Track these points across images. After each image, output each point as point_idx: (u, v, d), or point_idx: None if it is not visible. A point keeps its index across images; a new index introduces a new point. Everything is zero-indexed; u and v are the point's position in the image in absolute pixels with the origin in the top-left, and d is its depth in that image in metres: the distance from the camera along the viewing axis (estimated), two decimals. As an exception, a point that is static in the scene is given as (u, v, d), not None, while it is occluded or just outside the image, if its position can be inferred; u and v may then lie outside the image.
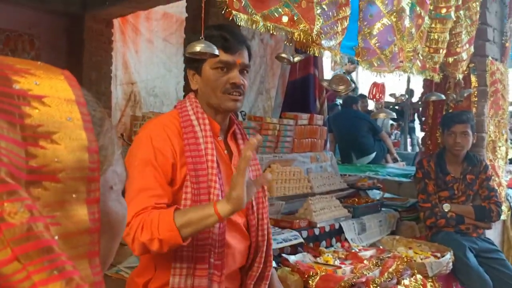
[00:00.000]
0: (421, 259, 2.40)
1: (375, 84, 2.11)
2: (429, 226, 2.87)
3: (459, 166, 2.92)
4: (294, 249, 2.19)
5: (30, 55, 4.71)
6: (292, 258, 2.03)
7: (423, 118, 3.74)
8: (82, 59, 4.80)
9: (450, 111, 3.30)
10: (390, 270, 2.09)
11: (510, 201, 3.64)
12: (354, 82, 7.56)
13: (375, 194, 3.33)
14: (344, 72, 6.39)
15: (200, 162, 1.28)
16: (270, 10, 1.50)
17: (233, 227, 1.36)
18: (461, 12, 2.68)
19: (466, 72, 3.08)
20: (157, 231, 1.15)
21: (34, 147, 0.34)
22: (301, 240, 2.19)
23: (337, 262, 2.11)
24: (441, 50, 2.49)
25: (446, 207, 2.83)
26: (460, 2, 2.65)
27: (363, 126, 5.21)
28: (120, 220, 0.43)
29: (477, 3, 2.84)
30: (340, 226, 2.52)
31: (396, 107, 7.34)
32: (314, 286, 1.85)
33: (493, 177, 3.06)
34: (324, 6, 1.62)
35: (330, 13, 1.67)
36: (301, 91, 3.53)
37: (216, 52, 1.29)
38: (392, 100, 3.59)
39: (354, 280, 1.90)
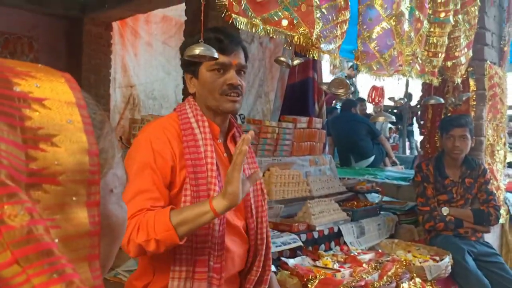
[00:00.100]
0: (420, 263, 2.39)
1: (374, 88, 2.11)
2: (428, 229, 2.88)
3: (458, 169, 2.93)
4: (293, 253, 2.18)
5: (29, 57, 4.71)
6: (291, 262, 2.03)
7: (422, 122, 3.75)
8: (81, 62, 4.80)
9: (449, 115, 3.31)
10: (389, 273, 2.08)
11: (509, 205, 3.64)
12: (354, 87, 7.58)
13: (374, 198, 3.33)
14: (345, 76, 6.40)
15: (200, 165, 1.28)
16: (270, 14, 1.50)
17: (232, 230, 1.35)
18: (460, 16, 2.69)
19: (464, 76, 3.10)
20: (153, 231, 1.15)
21: (34, 150, 0.34)
22: (300, 243, 2.19)
23: (336, 266, 2.11)
24: (440, 54, 2.50)
25: (445, 210, 2.83)
26: (458, 7, 2.66)
27: (362, 129, 5.22)
28: (120, 223, 0.43)
29: (476, 8, 2.85)
30: (339, 230, 2.52)
31: (395, 111, 7.36)
32: (313, 290, 1.84)
33: (491, 181, 3.07)
34: (323, 10, 1.63)
35: (330, 16, 1.68)
36: (300, 94, 3.53)
37: (216, 55, 1.30)
38: (391, 103, 3.59)
39: (353, 283, 1.90)
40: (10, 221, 0.31)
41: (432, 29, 2.44)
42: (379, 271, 2.11)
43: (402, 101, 2.58)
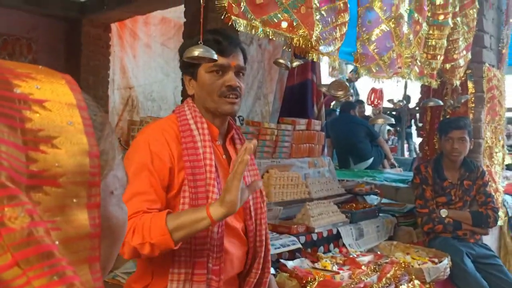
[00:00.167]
0: (419, 265, 2.39)
1: (373, 90, 2.12)
2: (426, 231, 2.88)
3: (456, 172, 2.93)
4: (292, 255, 2.18)
5: (28, 59, 4.70)
6: (290, 264, 2.02)
7: (421, 124, 3.76)
8: (80, 63, 4.79)
9: (448, 117, 3.32)
10: (388, 275, 2.08)
11: (507, 207, 3.65)
12: (355, 90, 7.59)
13: (373, 200, 3.33)
14: (347, 79, 6.42)
15: (198, 167, 1.27)
16: (270, 16, 1.50)
17: (231, 232, 1.35)
18: (458, 19, 2.70)
19: (463, 79, 3.10)
20: (148, 235, 1.14)
21: (34, 152, 0.34)
22: (299, 245, 2.19)
23: (335, 268, 2.11)
24: (438, 56, 2.51)
25: (444, 212, 2.83)
26: (457, 9, 2.67)
27: (361, 131, 5.22)
28: (120, 225, 0.43)
29: (474, 10, 2.86)
30: (338, 232, 2.52)
31: (394, 113, 7.37)
32: (312, 292, 1.84)
33: (490, 183, 3.07)
34: (323, 12, 1.63)
35: (329, 19, 1.68)
36: (299, 96, 3.54)
37: (215, 56, 1.30)
38: (390, 105, 3.61)
39: (352, 285, 1.90)
40: (10, 223, 0.31)
41: (431, 32, 2.44)
42: (378, 273, 2.11)
43: (401, 103, 2.58)
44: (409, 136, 8.28)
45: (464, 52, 2.83)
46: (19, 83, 0.36)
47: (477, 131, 3.26)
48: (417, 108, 6.74)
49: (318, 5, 1.61)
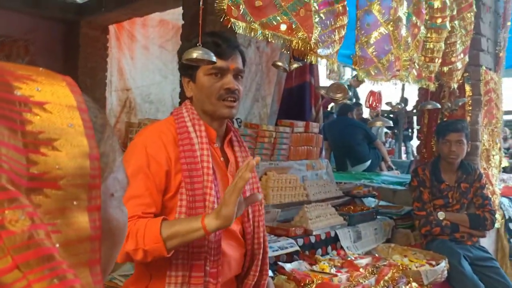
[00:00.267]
0: (416, 267, 2.40)
1: (372, 93, 2.12)
2: (424, 234, 2.88)
3: (454, 174, 2.94)
4: (290, 257, 2.18)
5: (25, 60, 4.69)
6: (288, 266, 2.02)
7: (418, 127, 3.77)
8: (77, 65, 4.79)
9: (445, 119, 3.33)
10: (386, 278, 2.08)
11: (504, 209, 3.66)
12: (356, 95, 7.60)
13: (371, 202, 3.34)
14: (348, 85, 6.43)
15: (196, 169, 1.27)
16: (269, 18, 1.50)
17: (228, 235, 1.35)
18: (456, 22, 2.71)
19: (460, 81, 3.11)
20: (142, 241, 1.15)
21: (35, 154, 0.34)
22: (297, 248, 2.19)
23: (333, 270, 2.11)
24: (436, 60, 2.52)
25: (441, 215, 2.84)
26: (455, 12, 2.68)
27: (358, 134, 5.24)
28: (121, 227, 0.43)
29: (472, 14, 2.87)
30: (336, 234, 2.52)
31: (391, 115, 7.39)
32: (310, 295, 1.84)
33: (487, 186, 3.08)
34: (321, 15, 1.63)
35: (328, 21, 1.69)
36: (297, 98, 3.54)
37: (214, 59, 1.29)
38: (388, 108, 3.61)
39: (350, 288, 1.89)
40: (11, 226, 0.31)
41: (429, 35, 2.45)
42: (376, 275, 2.11)
43: (399, 106, 2.59)
44: (406, 138, 8.30)
45: (462, 55, 2.84)
46: (19, 85, 0.36)
47: (474, 134, 3.27)
48: (414, 111, 6.76)
49: (317, 8, 1.61)
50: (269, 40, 1.53)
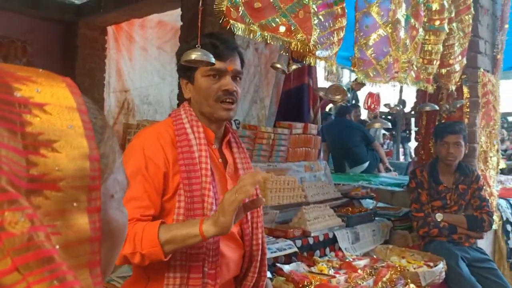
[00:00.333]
0: (414, 269, 2.40)
1: (370, 94, 2.13)
2: (422, 235, 2.89)
3: (452, 176, 2.95)
4: (288, 259, 2.18)
5: (22, 61, 4.68)
6: (286, 268, 2.02)
7: (416, 128, 3.78)
8: (76, 66, 4.78)
9: (443, 121, 3.34)
10: (384, 279, 2.09)
11: (501, 211, 3.67)
12: (356, 98, 7.61)
13: (369, 204, 3.34)
14: (349, 89, 6.44)
15: (194, 170, 1.27)
16: (268, 20, 1.50)
17: (227, 236, 1.34)
18: (454, 24, 2.72)
19: (458, 84, 3.12)
20: (140, 245, 1.15)
21: (35, 156, 0.34)
22: (295, 249, 2.19)
23: (332, 272, 2.11)
24: (434, 61, 2.52)
25: (439, 216, 2.84)
26: (453, 15, 2.69)
27: (356, 135, 5.24)
28: (121, 228, 0.43)
29: (470, 16, 2.88)
30: (334, 235, 2.52)
31: (389, 117, 7.41)
32: (308, 296, 1.84)
33: (484, 187, 3.09)
34: (320, 17, 1.64)
35: (327, 23, 1.69)
36: (295, 100, 3.54)
37: (213, 60, 1.29)
38: (386, 110, 3.63)
39: (348, 290, 1.89)
40: (10, 228, 0.31)
41: (427, 37, 2.46)
42: (374, 277, 2.11)
43: (397, 108, 2.59)
44: (404, 140, 8.31)
45: (460, 57, 2.85)
46: (19, 86, 0.36)
47: (472, 136, 3.28)
48: (412, 113, 6.78)
49: (316, 10, 1.61)
50: (268, 41, 1.53)
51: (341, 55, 1.87)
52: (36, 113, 0.35)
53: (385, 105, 2.66)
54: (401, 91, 2.99)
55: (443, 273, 2.47)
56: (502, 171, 4.40)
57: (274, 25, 1.51)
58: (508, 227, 3.65)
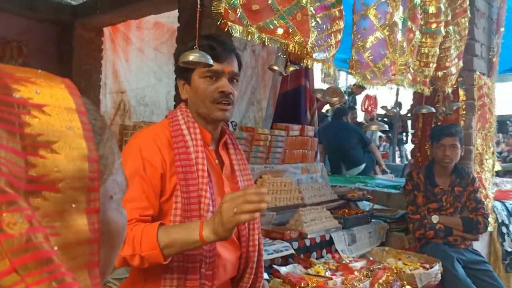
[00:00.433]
0: (410, 270, 2.41)
1: (367, 97, 2.13)
2: (418, 237, 2.89)
3: (448, 178, 2.96)
4: (285, 260, 2.18)
5: (18, 62, 4.66)
6: (283, 269, 2.02)
7: (413, 131, 3.79)
8: (72, 67, 4.76)
9: (439, 124, 3.35)
10: (380, 281, 2.09)
11: (497, 213, 3.68)
12: (355, 101, 7.63)
13: (365, 205, 3.34)
14: (349, 92, 6.44)
15: (191, 172, 1.27)
16: (265, 22, 1.50)
17: (224, 238, 1.34)
18: (451, 27, 2.73)
19: (454, 86, 3.14)
20: (139, 247, 1.15)
21: (33, 157, 0.34)
22: (292, 251, 2.19)
23: (328, 273, 2.11)
24: (431, 64, 2.54)
25: (435, 218, 2.85)
26: (449, 18, 2.70)
27: (353, 137, 5.25)
28: (120, 230, 0.42)
29: (466, 19, 2.90)
30: (331, 237, 2.52)
31: (385, 119, 7.43)
32: (304, 298, 1.84)
33: (480, 189, 3.10)
34: (318, 19, 1.64)
35: (324, 26, 1.69)
36: (292, 102, 3.55)
37: (210, 61, 1.29)
38: (383, 112, 3.64)
39: (345, 291, 1.90)
40: (9, 229, 0.31)
41: (424, 40, 2.47)
42: (370, 278, 2.11)
43: (394, 110, 2.60)
44: (400, 142, 8.34)
45: (456, 60, 2.87)
46: (18, 87, 0.35)
47: (468, 138, 3.30)
48: (409, 115, 6.80)
49: (313, 12, 1.62)
50: (266, 44, 1.53)
51: (338, 57, 1.88)
52: (35, 114, 0.35)
53: (382, 107, 2.67)
54: (397, 93, 3.01)
55: (439, 275, 2.48)
56: (498, 173, 4.42)
57: (272, 27, 1.52)
58: (503, 229, 3.66)
